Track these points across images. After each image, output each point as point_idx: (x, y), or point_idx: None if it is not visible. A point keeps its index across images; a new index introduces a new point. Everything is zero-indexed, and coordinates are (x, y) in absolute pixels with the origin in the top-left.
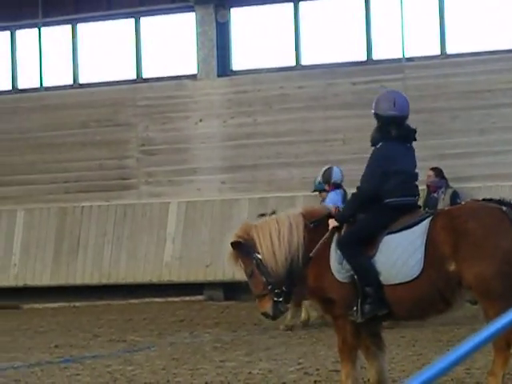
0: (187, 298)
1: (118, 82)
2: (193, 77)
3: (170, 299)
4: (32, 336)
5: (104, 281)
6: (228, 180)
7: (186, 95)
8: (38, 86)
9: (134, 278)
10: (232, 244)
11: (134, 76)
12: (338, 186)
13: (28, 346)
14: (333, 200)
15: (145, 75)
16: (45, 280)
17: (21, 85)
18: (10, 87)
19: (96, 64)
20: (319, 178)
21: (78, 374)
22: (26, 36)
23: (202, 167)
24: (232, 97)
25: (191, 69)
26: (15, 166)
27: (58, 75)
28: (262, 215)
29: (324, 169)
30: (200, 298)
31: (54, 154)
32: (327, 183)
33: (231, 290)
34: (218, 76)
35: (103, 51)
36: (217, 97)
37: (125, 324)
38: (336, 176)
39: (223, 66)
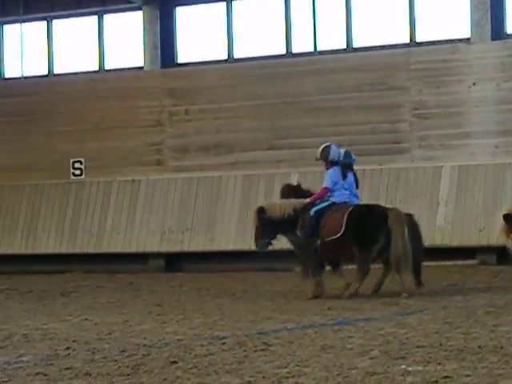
0: (460, 263)
1: (391, 45)
2: (466, 40)
3: (442, 263)
4: (305, 298)
5: None
6: (501, 144)
7: (460, 59)
8: (312, 50)
9: None
10: (504, 216)
11: (407, 40)
12: (335, 163)
13: (301, 309)
14: (331, 176)
15: (418, 39)
16: None
17: (295, 49)
18: (284, 51)
19: (370, 28)
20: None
21: (350, 337)
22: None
23: (475, 131)
24: (506, 60)
25: (464, 32)
26: (289, 129)
27: (332, 39)
28: None
29: (322, 147)
30: (473, 262)
31: (328, 117)
32: (325, 161)
33: (504, 254)
34: (492, 39)
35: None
36: (490, 60)
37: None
38: (333, 154)
39: (497, 29)
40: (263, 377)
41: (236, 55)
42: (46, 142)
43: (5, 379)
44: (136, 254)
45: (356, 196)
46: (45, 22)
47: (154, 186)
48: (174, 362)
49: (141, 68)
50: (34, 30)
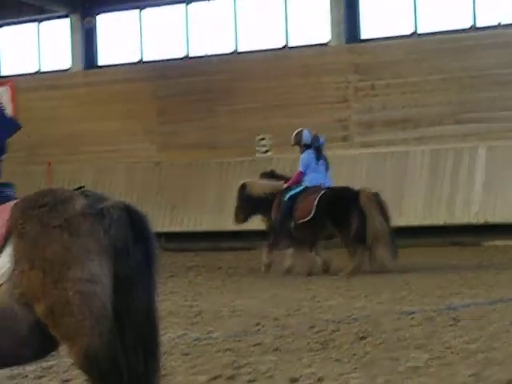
0: None
1: None
2: None
3: None
4: (494, 273)
5: None
6: None
7: None
8: (496, 23)
9: None
10: None
11: None
12: (308, 146)
13: (490, 283)
14: (303, 160)
15: None
16: (507, 217)
17: (479, 23)
18: (468, 25)
19: None
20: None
21: None
22: None
23: None
24: None
25: None
26: (476, 103)
27: None
28: None
29: (295, 132)
30: None
31: None
32: (299, 145)
33: None
34: None
35: None
36: None
37: None
38: (305, 138)
39: None
40: (451, 352)
41: (420, 30)
42: (232, 119)
43: (195, 355)
44: None
45: (327, 179)
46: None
47: (340, 162)
48: (363, 338)
49: (325, 44)
50: (220, 7)
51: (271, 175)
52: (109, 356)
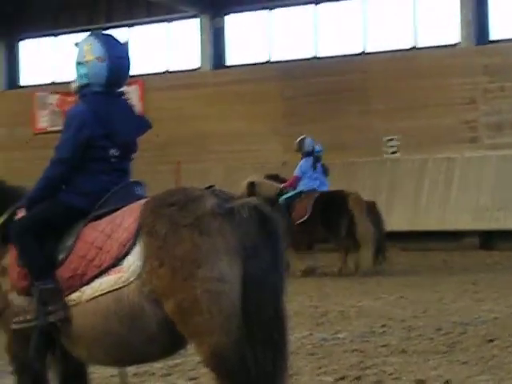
0: None
1: None
2: None
3: None
4: None
5: None
6: None
7: None
8: None
9: None
10: None
11: None
12: (309, 154)
13: None
14: (301, 167)
15: None
16: None
17: None
18: None
19: None
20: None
21: None
22: None
23: None
24: None
25: None
26: None
27: None
28: None
29: (298, 139)
30: None
31: None
32: (300, 152)
33: None
34: None
35: None
36: None
37: None
38: (307, 146)
39: None
40: None
41: None
42: (359, 119)
43: (321, 355)
44: (449, 232)
45: (325, 184)
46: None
47: (469, 164)
48: (491, 340)
49: (454, 45)
50: (349, 7)
51: (275, 178)
52: (237, 354)
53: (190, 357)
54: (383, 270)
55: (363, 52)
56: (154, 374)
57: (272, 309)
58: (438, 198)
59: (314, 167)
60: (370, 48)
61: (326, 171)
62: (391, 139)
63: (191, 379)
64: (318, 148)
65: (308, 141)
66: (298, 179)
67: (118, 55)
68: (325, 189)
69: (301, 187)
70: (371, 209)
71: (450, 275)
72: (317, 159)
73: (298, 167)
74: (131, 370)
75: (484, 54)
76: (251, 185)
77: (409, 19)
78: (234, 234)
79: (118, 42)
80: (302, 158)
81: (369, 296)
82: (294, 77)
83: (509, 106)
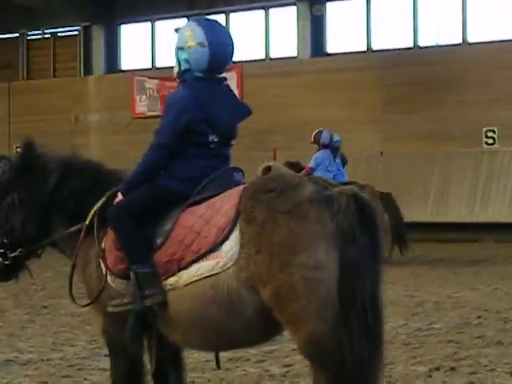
0: None
1: None
2: None
3: None
4: None
5: None
6: None
7: None
8: None
9: None
10: None
11: None
12: (325, 146)
13: None
14: (316, 158)
15: None
16: None
17: None
18: None
19: None
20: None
21: None
22: None
23: None
24: None
25: None
26: None
27: None
28: None
29: (315, 132)
30: None
31: None
32: (317, 144)
33: None
34: None
35: None
36: None
37: None
38: (324, 139)
39: None
40: None
41: None
42: (458, 110)
43: (416, 345)
44: None
45: (343, 175)
46: None
47: None
48: None
49: None
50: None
51: (295, 166)
52: (333, 342)
53: (285, 343)
54: (481, 261)
55: (465, 41)
56: (248, 359)
57: (368, 296)
58: None
59: (333, 159)
60: (471, 38)
61: (344, 161)
62: (491, 130)
63: (285, 366)
64: (336, 138)
65: (325, 133)
66: (311, 170)
67: (220, 41)
68: (342, 179)
69: None
70: (387, 200)
71: None
72: (335, 150)
73: (314, 158)
74: (226, 355)
75: None
76: (267, 169)
77: (510, 9)
78: (331, 221)
79: (221, 27)
80: (317, 150)
81: (464, 287)
82: (394, 65)
83: None
